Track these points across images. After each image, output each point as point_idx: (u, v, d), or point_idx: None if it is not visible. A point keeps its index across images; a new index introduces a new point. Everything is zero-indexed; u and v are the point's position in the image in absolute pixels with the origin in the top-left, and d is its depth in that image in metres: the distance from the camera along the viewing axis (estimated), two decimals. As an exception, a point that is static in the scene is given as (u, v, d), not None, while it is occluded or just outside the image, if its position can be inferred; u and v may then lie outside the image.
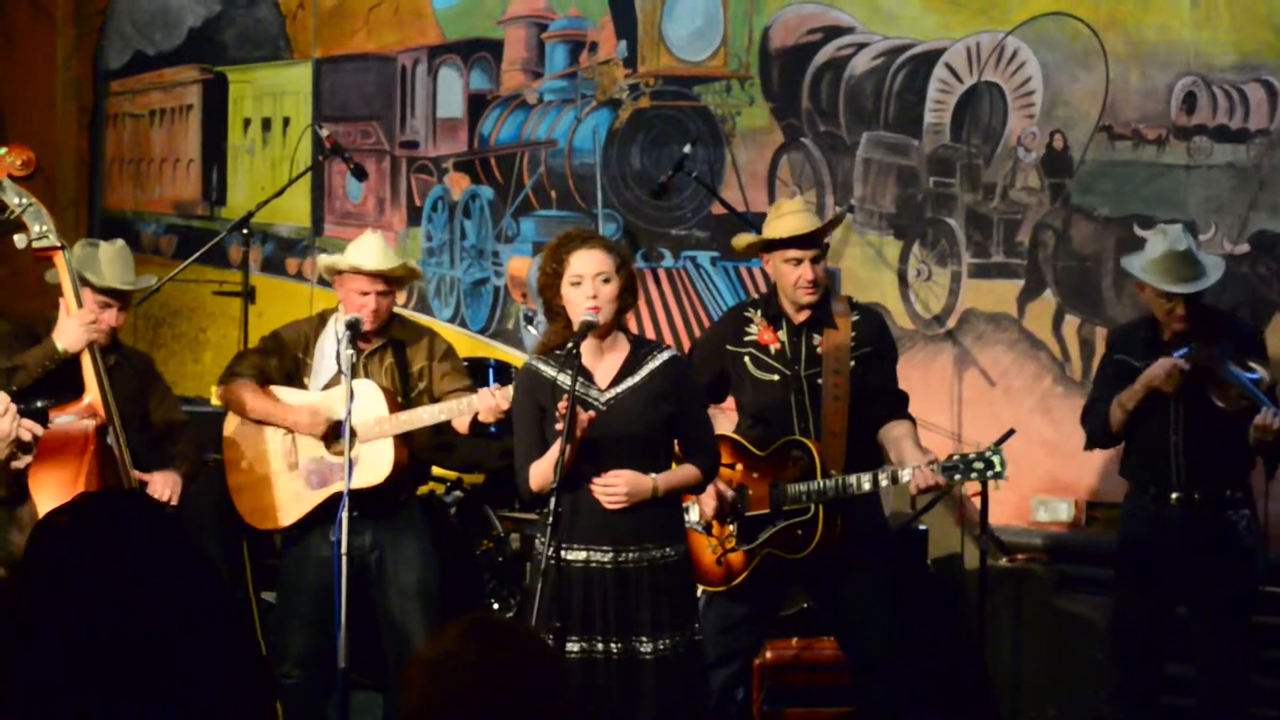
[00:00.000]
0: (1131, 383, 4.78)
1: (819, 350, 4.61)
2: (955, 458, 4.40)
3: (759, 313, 4.72)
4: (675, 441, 4.24)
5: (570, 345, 4.04)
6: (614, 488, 4.03)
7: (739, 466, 4.67)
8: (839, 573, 4.58)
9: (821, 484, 4.48)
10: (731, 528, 4.64)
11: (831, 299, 4.70)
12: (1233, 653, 4.81)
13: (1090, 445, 5.10)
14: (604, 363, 4.17)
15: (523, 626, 2.16)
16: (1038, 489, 6.23)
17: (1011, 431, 5.29)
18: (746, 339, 4.71)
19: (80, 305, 4.41)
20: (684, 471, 4.19)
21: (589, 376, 4.14)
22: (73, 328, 4.37)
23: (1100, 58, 6.23)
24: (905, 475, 4.43)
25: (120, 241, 4.85)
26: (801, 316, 4.66)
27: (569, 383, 4.01)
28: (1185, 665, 4.95)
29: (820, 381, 4.58)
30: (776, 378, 4.64)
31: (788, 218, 4.64)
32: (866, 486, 4.45)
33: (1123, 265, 5.14)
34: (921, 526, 5.75)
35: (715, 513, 4.60)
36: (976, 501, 5.29)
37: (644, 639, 4.05)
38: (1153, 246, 4.79)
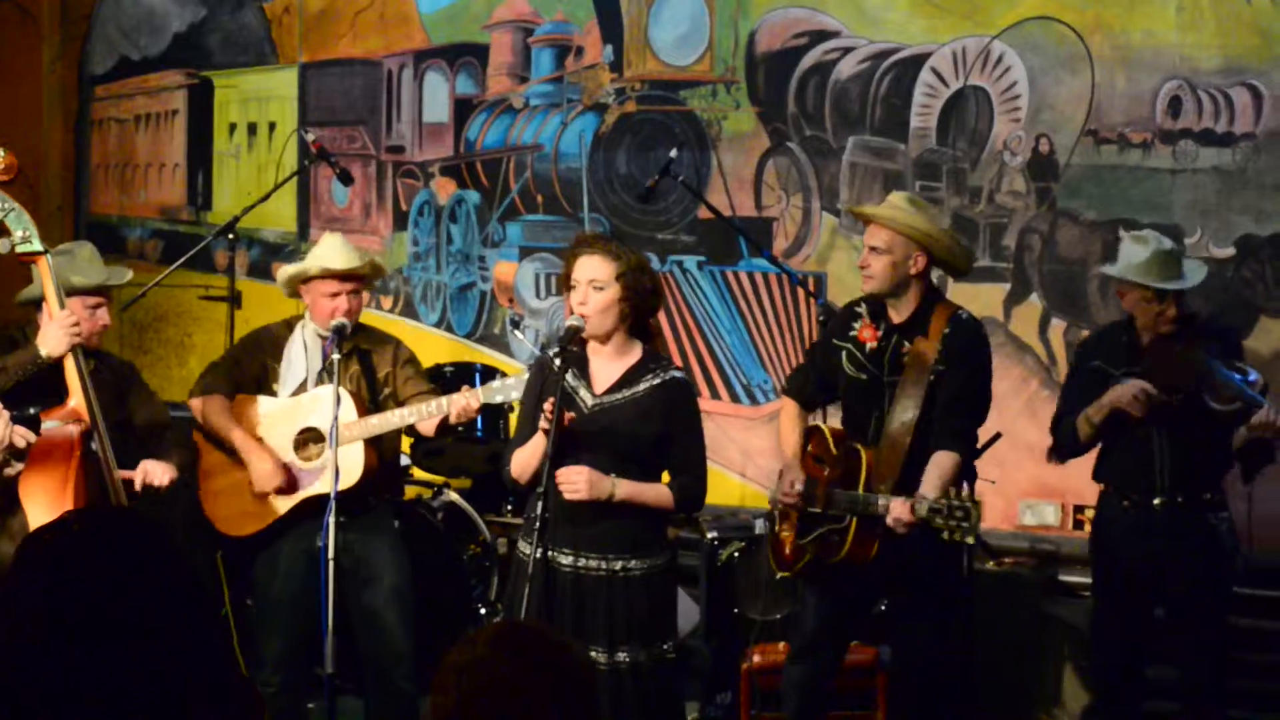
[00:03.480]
0: (1104, 391, 4.70)
1: (905, 358, 4.50)
2: (943, 501, 4.20)
3: (868, 309, 4.63)
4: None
5: (556, 348, 4.10)
6: (573, 479, 4.02)
7: (822, 459, 4.59)
8: (898, 591, 4.59)
9: (853, 495, 4.40)
10: (796, 517, 4.59)
11: (933, 305, 4.56)
12: (1212, 655, 4.79)
13: (1057, 457, 5.05)
14: (606, 368, 4.19)
15: (551, 632, 2.17)
16: (1025, 493, 6.23)
17: (998, 435, 5.30)
18: (850, 333, 4.62)
19: (62, 309, 4.38)
20: (653, 489, 4.14)
21: (587, 378, 4.17)
22: (54, 332, 4.32)
23: (1086, 62, 6.23)
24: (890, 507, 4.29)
25: (88, 243, 4.82)
26: (898, 317, 4.55)
27: (564, 382, 4.06)
28: (1163, 668, 4.94)
29: (898, 391, 4.48)
30: (865, 378, 4.56)
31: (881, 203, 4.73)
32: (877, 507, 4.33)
33: (1105, 273, 5.09)
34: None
35: (791, 498, 4.55)
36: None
37: (598, 649, 4.02)
38: (1135, 251, 4.70)
